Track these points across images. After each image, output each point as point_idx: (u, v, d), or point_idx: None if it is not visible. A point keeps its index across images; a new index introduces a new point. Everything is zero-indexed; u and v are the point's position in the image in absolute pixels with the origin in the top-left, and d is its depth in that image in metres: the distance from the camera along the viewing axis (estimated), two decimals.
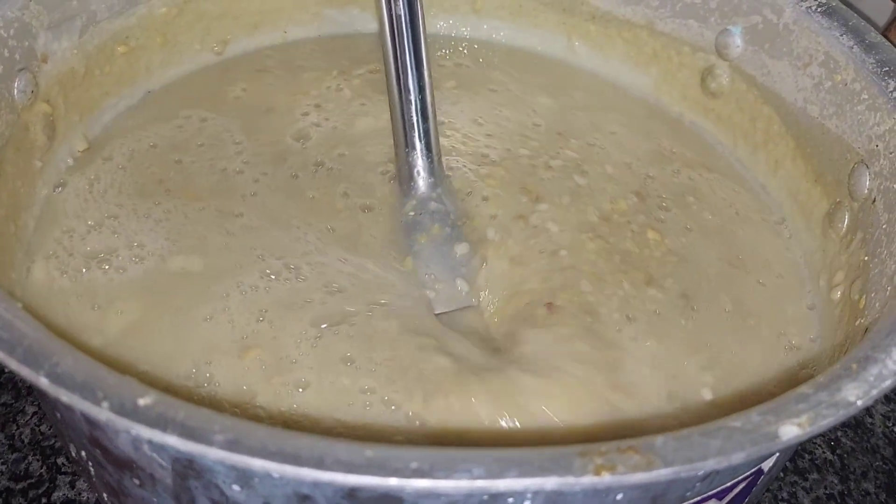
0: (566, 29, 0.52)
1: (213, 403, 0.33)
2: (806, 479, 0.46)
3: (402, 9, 0.39)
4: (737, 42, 0.46)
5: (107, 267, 0.37)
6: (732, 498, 0.27)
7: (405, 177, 0.42)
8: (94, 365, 0.22)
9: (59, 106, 0.41)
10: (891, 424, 0.49)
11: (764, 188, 0.46)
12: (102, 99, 0.45)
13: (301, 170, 0.44)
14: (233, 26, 0.50)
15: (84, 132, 0.43)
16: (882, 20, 0.52)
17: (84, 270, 0.37)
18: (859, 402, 0.23)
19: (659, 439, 0.22)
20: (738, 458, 0.21)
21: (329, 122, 0.47)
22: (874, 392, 0.23)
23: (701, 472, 0.21)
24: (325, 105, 0.47)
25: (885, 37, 0.40)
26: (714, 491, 0.26)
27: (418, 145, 0.42)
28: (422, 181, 0.42)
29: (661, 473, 0.21)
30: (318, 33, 0.53)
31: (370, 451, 0.21)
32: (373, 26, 0.53)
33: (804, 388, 0.23)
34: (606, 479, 0.20)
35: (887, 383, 0.23)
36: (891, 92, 0.37)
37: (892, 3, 0.50)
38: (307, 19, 0.52)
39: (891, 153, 0.36)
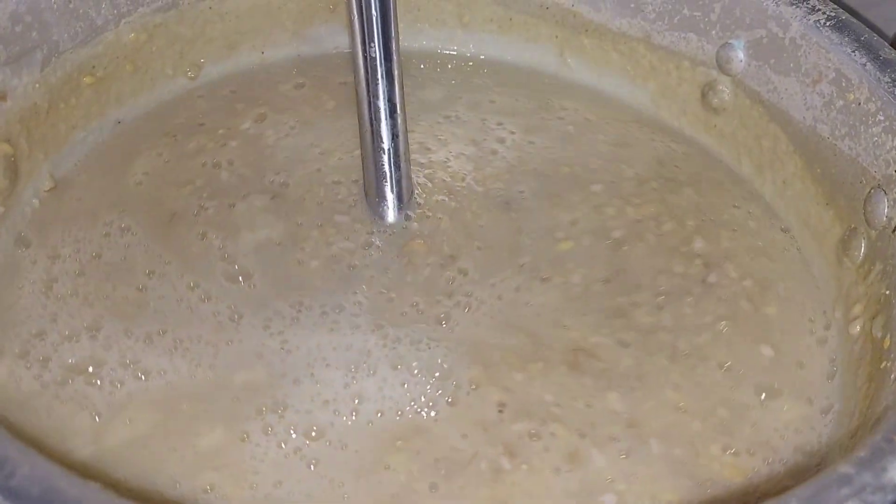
0: (558, 43, 0.50)
1: None
2: None
3: (376, 51, 0.37)
4: (740, 56, 0.43)
5: (98, 381, 0.34)
6: None
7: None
8: (59, 474, 0.20)
9: (22, 145, 0.39)
10: None
11: (771, 209, 0.43)
12: (69, 133, 0.42)
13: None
14: (207, 49, 0.47)
15: (50, 170, 0.41)
16: (891, 29, 0.49)
17: (69, 381, 0.34)
18: None
19: None
20: None
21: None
22: None
23: None
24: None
25: None
26: None
27: (389, 196, 0.40)
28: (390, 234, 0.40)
29: None
30: (298, 52, 0.51)
31: None
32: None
33: (846, 468, 0.21)
34: None
35: None
36: None
37: None
38: (286, 39, 0.50)
39: None
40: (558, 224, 0.41)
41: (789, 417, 0.34)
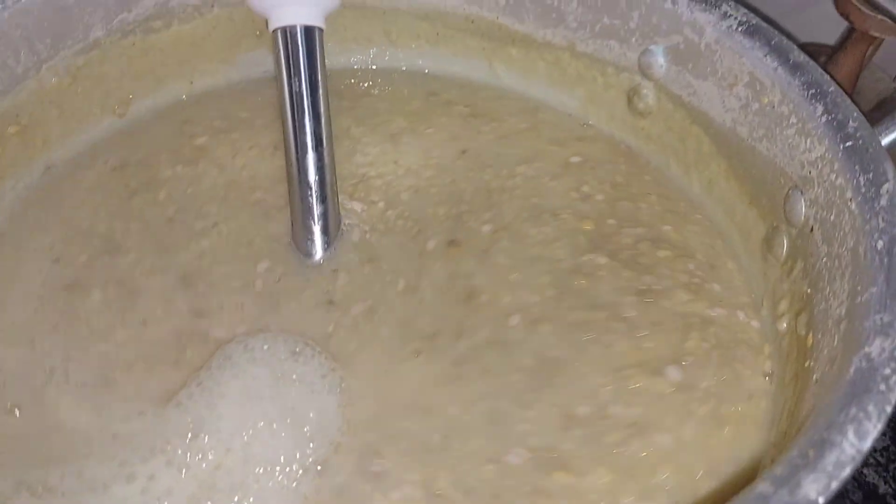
0: (486, 54, 0.50)
1: None
2: None
3: (303, 86, 0.37)
4: (660, 62, 0.44)
5: None
6: None
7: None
8: None
9: None
10: None
11: (700, 207, 0.45)
12: None
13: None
14: (134, 85, 0.47)
15: None
16: (805, 37, 0.51)
17: None
18: (821, 500, 0.22)
19: None
20: None
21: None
22: (834, 485, 0.22)
23: None
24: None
25: (817, 56, 0.39)
26: None
27: (315, 229, 0.40)
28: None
29: None
30: (227, 81, 0.50)
31: None
32: None
33: (763, 487, 0.22)
34: None
35: (847, 472, 0.22)
36: (819, 117, 0.36)
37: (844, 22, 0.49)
38: (213, 68, 0.50)
39: (824, 181, 0.35)
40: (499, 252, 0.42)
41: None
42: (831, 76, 0.38)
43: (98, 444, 0.34)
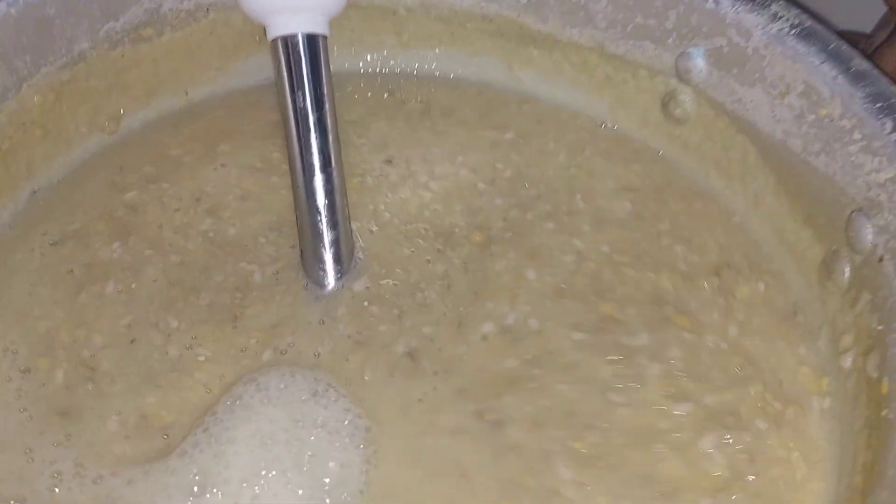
0: (505, 55, 0.46)
1: None
2: None
3: (307, 102, 0.33)
4: (700, 66, 0.41)
5: None
6: None
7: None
8: None
9: None
10: None
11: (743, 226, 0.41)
12: None
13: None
14: (124, 99, 0.43)
15: None
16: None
17: None
18: None
19: None
20: None
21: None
22: None
23: None
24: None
25: (872, 60, 0.35)
26: None
27: (326, 257, 0.37)
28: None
29: None
30: (226, 89, 0.46)
31: None
32: None
33: None
34: None
35: None
36: (888, 134, 0.33)
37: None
38: (210, 76, 0.46)
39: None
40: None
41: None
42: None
43: None
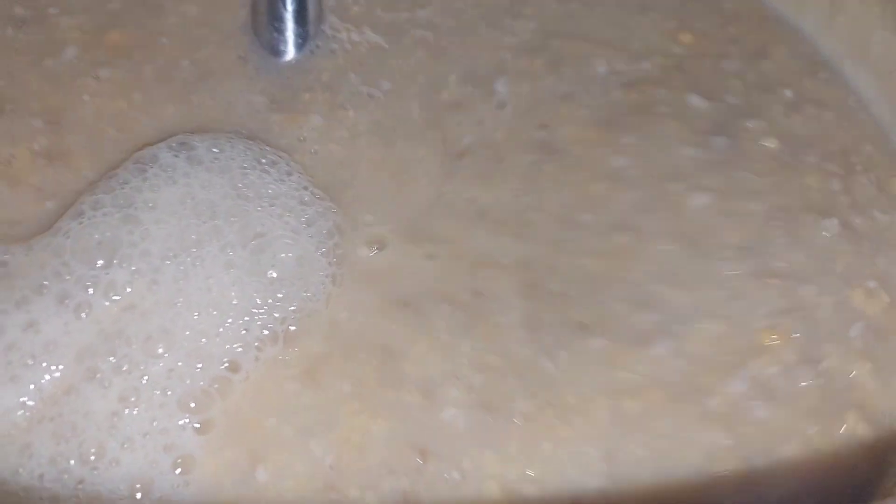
0: None
1: None
2: None
3: None
4: None
5: None
6: None
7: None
8: None
9: None
10: None
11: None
12: None
13: None
14: None
15: None
16: None
17: None
18: None
19: None
20: None
21: None
22: None
23: None
24: None
25: None
26: None
27: (286, 16, 0.30)
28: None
29: None
30: None
31: None
32: None
33: None
34: None
35: None
36: None
37: None
38: None
39: None
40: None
41: None
42: None
43: None
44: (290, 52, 0.30)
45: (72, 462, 0.20)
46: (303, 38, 0.30)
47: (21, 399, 0.20)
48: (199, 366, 0.21)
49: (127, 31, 0.30)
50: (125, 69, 0.29)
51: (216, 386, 0.21)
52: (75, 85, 0.28)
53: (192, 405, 0.21)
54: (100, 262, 0.22)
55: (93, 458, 0.20)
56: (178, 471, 0.20)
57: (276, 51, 0.30)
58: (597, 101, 0.29)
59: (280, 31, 0.30)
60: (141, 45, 0.29)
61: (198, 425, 0.20)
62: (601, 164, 0.27)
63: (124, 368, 0.20)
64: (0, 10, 0.30)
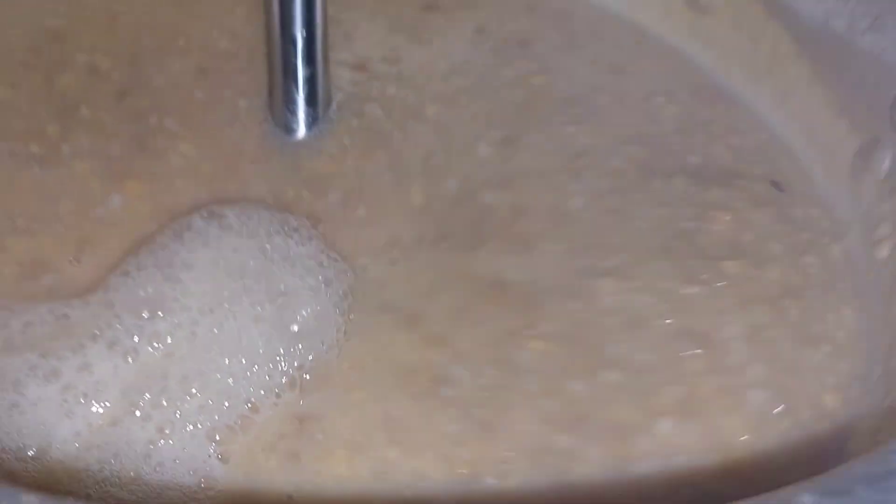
0: None
1: None
2: None
3: None
4: None
5: None
6: None
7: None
8: None
9: None
10: None
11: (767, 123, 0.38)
12: None
13: None
14: None
15: None
16: None
17: None
18: None
19: None
20: None
21: None
22: None
23: None
24: None
25: None
26: None
27: (298, 98, 0.32)
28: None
29: None
30: None
31: None
32: None
33: None
34: None
35: None
36: None
37: None
38: None
39: None
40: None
41: None
42: None
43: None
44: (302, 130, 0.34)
45: (114, 483, 0.23)
46: (313, 118, 0.33)
47: (75, 430, 0.23)
48: (226, 404, 0.24)
49: None
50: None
51: (239, 422, 0.24)
52: None
53: (217, 437, 0.24)
54: (145, 315, 0.26)
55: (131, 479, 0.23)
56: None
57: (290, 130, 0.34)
58: None
59: (293, 111, 0.33)
60: None
61: (219, 455, 0.23)
62: None
63: (163, 404, 0.24)
64: None
